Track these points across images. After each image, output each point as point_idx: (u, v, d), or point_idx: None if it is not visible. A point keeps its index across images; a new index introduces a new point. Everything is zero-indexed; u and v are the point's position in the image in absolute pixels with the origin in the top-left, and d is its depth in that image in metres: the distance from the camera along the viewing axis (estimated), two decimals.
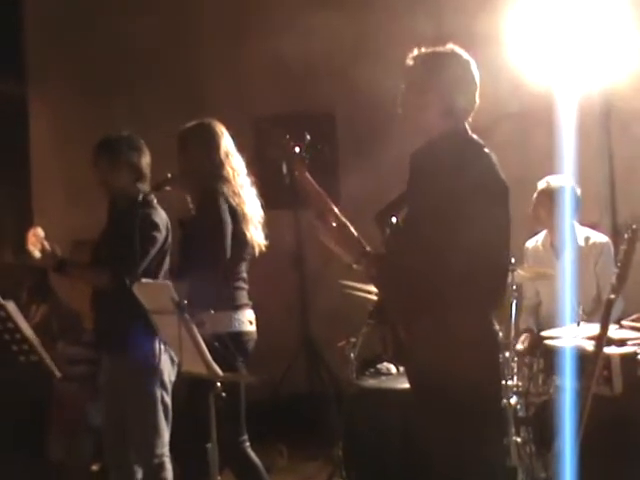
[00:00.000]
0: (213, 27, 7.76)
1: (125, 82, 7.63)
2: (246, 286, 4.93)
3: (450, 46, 3.61)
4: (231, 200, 4.84)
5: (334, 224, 3.56)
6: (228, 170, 4.91)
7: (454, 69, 3.57)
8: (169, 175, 4.76)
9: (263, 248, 4.98)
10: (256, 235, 4.93)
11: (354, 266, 3.57)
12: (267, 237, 4.99)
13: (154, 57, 7.72)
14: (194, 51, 7.70)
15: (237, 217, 4.83)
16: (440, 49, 3.61)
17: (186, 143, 4.94)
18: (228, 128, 5.00)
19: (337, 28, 7.13)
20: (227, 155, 4.93)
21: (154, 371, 4.72)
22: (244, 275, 4.94)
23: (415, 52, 3.60)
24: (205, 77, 7.67)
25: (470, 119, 3.60)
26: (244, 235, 4.86)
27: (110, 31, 7.67)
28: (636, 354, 4.51)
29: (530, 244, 6.14)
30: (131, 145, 4.92)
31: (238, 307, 4.83)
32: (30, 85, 7.97)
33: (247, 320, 4.85)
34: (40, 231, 4.72)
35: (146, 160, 4.95)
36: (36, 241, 4.69)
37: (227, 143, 4.96)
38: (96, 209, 5.09)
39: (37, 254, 4.69)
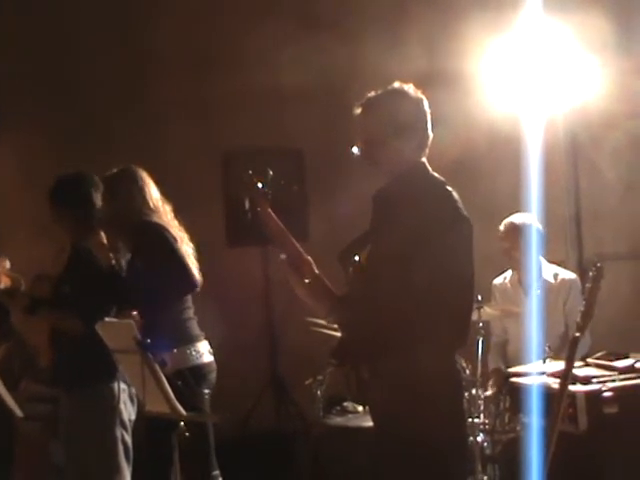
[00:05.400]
0: (181, 60, 7.75)
1: (92, 120, 7.58)
2: (195, 317, 4.87)
3: (396, 84, 3.62)
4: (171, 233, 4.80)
5: (307, 280, 3.56)
6: (161, 211, 4.89)
7: (407, 107, 3.57)
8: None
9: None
10: (195, 271, 4.86)
11: (327, 319, 3.61)
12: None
13: (122, 94, 7.70)
14: (161, 84, 7.67)
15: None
16: (389, 88, 3.61)
17: (118, 187, 4.86)
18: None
19: (309, 62, 7.15)
20: (158, 199, 4.92)
21: (113, 410, 4.66)
22: (190, 305, 4.87)
23: (368, 96, 3.61)
24: (173, 112, 7.65)
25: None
26: None
27: (77, 71, 7.65)
28: (601, 392, 4.51)
29: (498, 281, 6.14)
30: (88, 184, 4.88)
31: (193, 339, 4.78)
32: None
33: (205, 351, 4.81)
34: (7, 263, 4.70)
35: (98, 197, 4.89)
36: (0, 272, 4.67)
37: (154, 188, 4.93)
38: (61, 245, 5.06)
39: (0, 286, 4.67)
